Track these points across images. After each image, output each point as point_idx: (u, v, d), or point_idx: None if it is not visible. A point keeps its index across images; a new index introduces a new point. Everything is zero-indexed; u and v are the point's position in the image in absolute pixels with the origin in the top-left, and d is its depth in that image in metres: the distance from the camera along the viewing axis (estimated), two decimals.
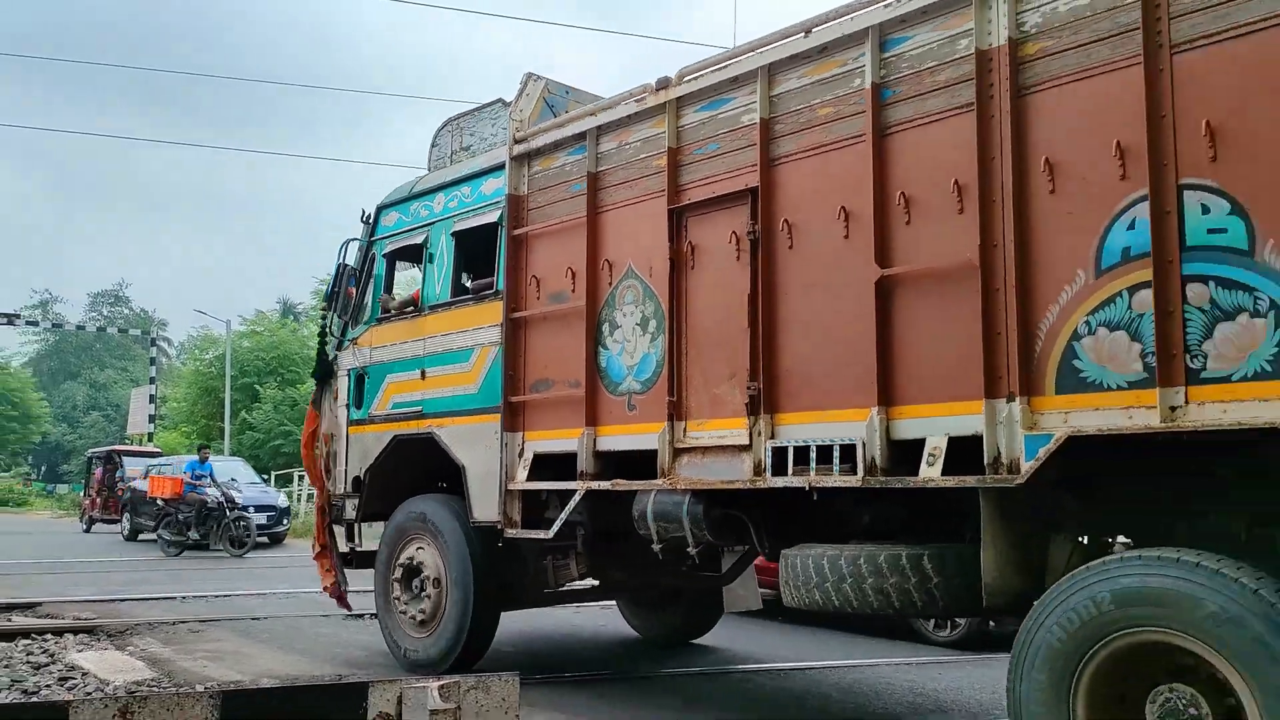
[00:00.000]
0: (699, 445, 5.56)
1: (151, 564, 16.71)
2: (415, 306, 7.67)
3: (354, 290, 8.09)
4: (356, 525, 8.07)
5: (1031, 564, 4.45)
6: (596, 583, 7.74)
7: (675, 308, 5.74)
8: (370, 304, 8.04)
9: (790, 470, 5.07)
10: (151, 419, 40.95)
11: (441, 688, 3.80)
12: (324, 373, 8.29)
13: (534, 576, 7.10)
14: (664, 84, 5.91)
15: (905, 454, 4.69)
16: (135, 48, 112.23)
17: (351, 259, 8.19)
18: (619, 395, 6.04)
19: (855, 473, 4.79)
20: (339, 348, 8.23)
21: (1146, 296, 3.93)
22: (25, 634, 8.40)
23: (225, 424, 35.17)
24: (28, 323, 56.92)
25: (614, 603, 9.26)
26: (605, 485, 6.02)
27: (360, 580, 8.06)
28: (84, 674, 6.98)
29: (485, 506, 6.73)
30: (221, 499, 18.72)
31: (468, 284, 7.51)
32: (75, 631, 8.69)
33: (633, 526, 5.94)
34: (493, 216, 6.95)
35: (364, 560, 7.97)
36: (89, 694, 6.23)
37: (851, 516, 5.29)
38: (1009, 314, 4.33)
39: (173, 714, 3.44)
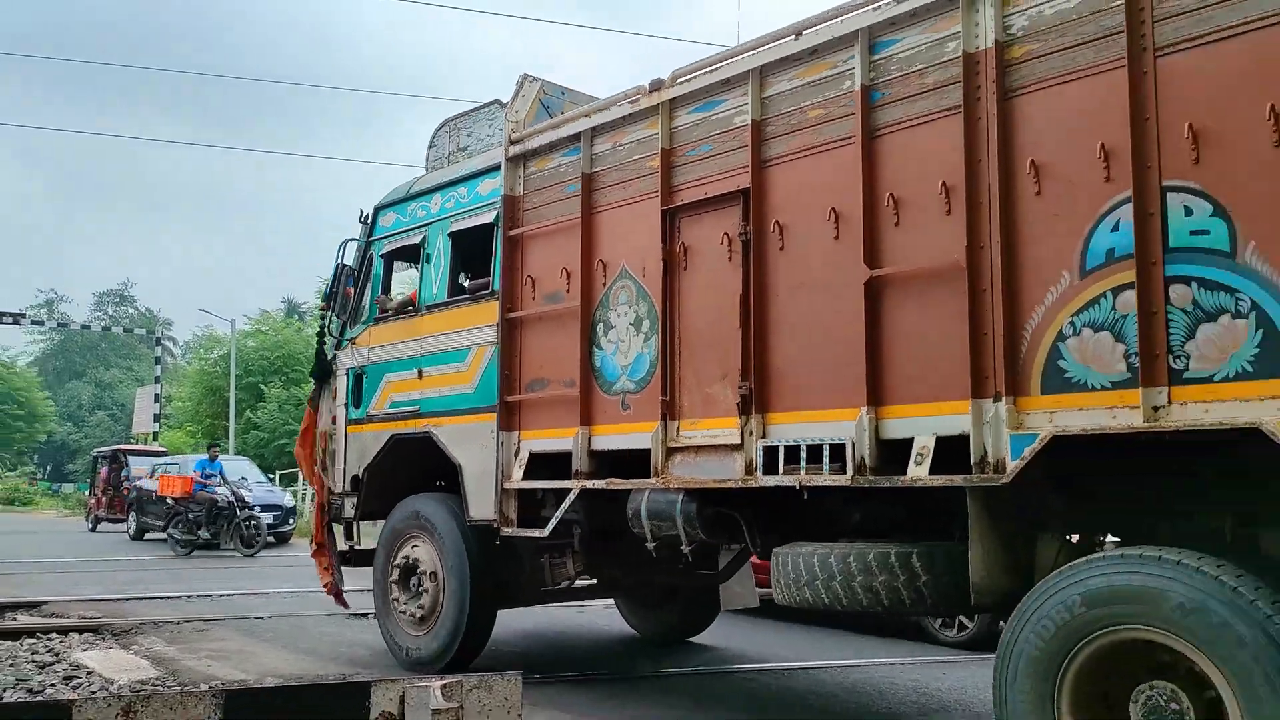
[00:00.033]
0: (692, 444, 5.61)
1: (156, 563, 16.75)
2: (413, 306, 7.72)
3: (352, 290, 8.15)
4: (355, 524, 8.13)
5: (1019, 562, 4.49)
6: (594, 581, 7.79)
7: (668, 308, 5.78)
8: (368, 304, 8.09)
9: (781, 469, 5.11)
10: (156, 418, 41.10)
11: (444, 687, 3.81)
12: (322, 372, 8.35)
13: (531, 575, 7.14)
14: (657, 86, 5.95)
15: (894, 453, 4.73)
16: (137, 48, 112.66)
17: (350, 259, 8.25)
18: (613, 395, 6.09)
19: (845, 472, 4.83)
20: (338, 347, 8.29)
21: (1130, 297, 3.97)
22: (30, 633, 8.44)
23: (230, 423, 35.24)
24: (33, 322, 57.05)
25: (613, 602, 9.32)
26: (600, 484, 6.07)
27: (362, 580, 8.10)
28: (89, 673, 7.01)
29: (481, 505, 6.78)
30: (232, 498, 18.62)
31: (465, 284, 7.56)
32: (80, 630, 8.73)
33: (628, 525, 5.99)
34: (489, 217, 7.00)
35: (362, 558, 8.04)
36: (93, 693, 6.25)
37: (842, 515, 5.34)
38: (995, 315, 4.37)
39: (175, 713, 3.46)
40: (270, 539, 19.69)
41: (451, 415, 7.12)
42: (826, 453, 4.92)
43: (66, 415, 69.15)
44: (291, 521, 21.90)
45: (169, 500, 19.74)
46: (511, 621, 9.38)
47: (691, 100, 5.78)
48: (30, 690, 6.51)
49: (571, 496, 6.20)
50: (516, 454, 6.62)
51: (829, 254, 5.05)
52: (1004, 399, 4.30)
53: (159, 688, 6.38)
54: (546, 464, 6.46)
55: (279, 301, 59.90)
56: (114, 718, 3.37)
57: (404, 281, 9.71)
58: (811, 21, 5.26)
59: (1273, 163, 3.68)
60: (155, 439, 38.95)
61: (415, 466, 7.59)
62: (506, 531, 6.65)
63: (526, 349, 6.67)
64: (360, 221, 8.17)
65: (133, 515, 23.08)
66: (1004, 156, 4.40)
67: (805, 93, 5.24)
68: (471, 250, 7.33)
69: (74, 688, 6.60)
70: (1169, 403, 3.87)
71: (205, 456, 20.53)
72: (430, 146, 7.87)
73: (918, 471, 4.55)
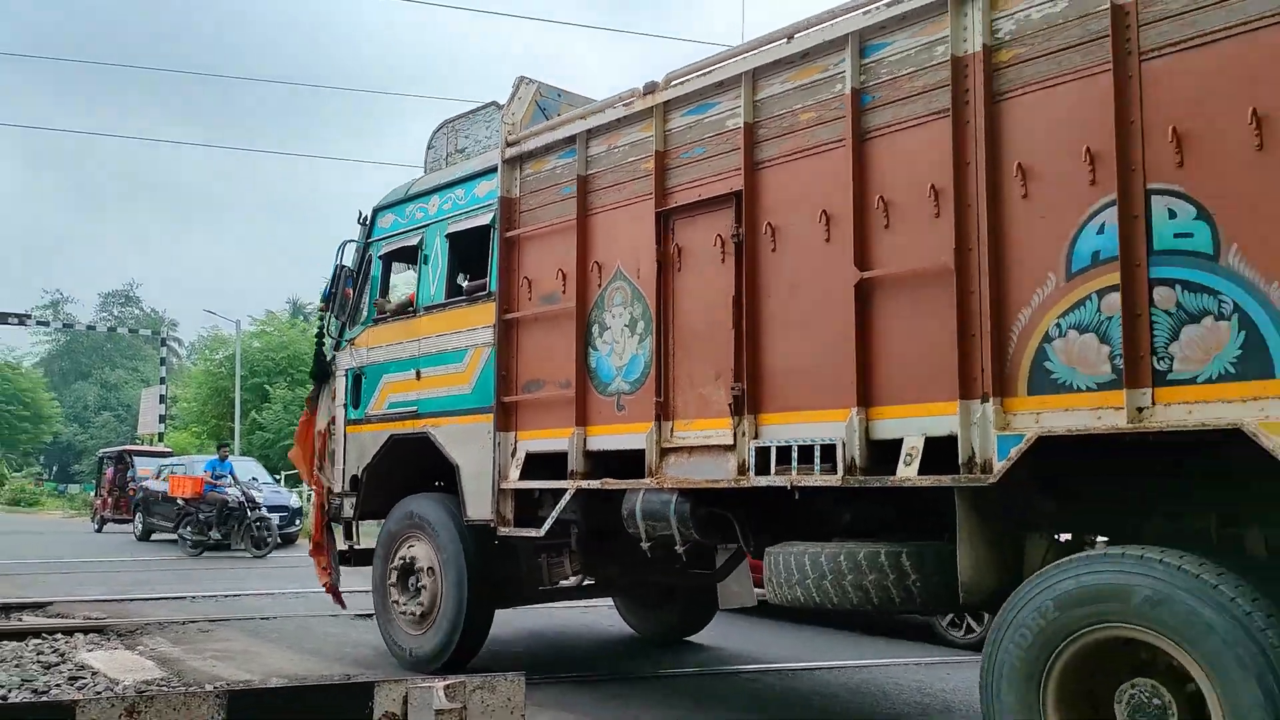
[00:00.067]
0: (685, 445, 5.65)
1: (163, 564, 16.76)
2: (411, 308, 7.77)
3: (351, 291, 8.21)
4: (354, 523, 8.18)
5: (1006, 561, 4.52)
6: (591, 581, 7.84)
7: (662, 309, 5.83)
8: (367, 305, 8.14)
9: (773, 470, 5.15)
10: (162, 419, 41.16)
11: (447, 688, 3.81)
12: (321, 373, 8.41)
13: (529, 574, 7.18)
14: (651, 88, 5.99)
15: (884, 454, 4.77)
16: (142, 49, 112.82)
17: (349, 260, 8.31)
18: (608, 395, 6.13)
19: (835, 472, 4.87)
20: (337, 348, 8.34)
21: (1115, 300, 4.01)
22: (36, 633, 8.47)
23: (235, 424, 35.32)
24: (39, 323, 57.16)
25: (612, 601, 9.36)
26: (595, 484, 6.12)
27: (365, 582, 8.12)
28: (94, 673, 7.03)
29: (479, 505, 6.82)
30: (243, 499, 18.54)
31: (464, 285, 7.61)
32: (85, 631, 8.75)
33: (623, 525, 6.03)
34: (486, 219, 7.05)
35: (362, 558, 8.09)
36: (98, 693, 6.27)
37: (833, 515, 5.37)
38: (983, 317, 4.41)
39: (179, 713, 3.46)
40: (277, 540, 19.70)
41: (449, 416, 7.17)
42: (817, 453, 4.96)
43: (72, 416, 69.36)
44: (298, 523, 21.86)
45: (179, 501, 19.66)
46: (514, 621, 9.43)
47: (685, 103, 5.82)
48: (35, 691, 6.54)
49: (567, 497, 6.25)
50: (513, 454, 6.66)
51: (820, 256, 5.09)
52: (991, 400, 4.34)
53: (163, 688, 6.41)
54: (543, 464, 6.51)
55: (284, 302, 60.11)
56: (117, 718, 3.37)
57: (407, 283, 9.76)
58: (803, 25, 5.30)
59: (1255, 166, 3.72)
60: (161, 440, 39.01)
61: (413, 467, 7.63)
62: (503, 531, 6.70)
63: (523, 350, 6.72)
64: (359, 223, 8.23)
65: (139, 516, 23.09)
66: (991, 159, 4.44)
67: (797, 96, 5.28)
68: (469, 252, 7.37)
69: (79, 688, 6.63)
70: (1153, 404, 3.91)
71: (215, 457, 20.45)
72: (428, 148, 7.92)
73: (907, 472, 4.59)
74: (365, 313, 8.14)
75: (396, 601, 7.52)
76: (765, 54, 5.43)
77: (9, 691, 6.47)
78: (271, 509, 19.53)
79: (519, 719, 3.93)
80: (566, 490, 6.26)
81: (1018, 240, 4.36)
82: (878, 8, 4.94)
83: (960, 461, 4.41)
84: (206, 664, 7.52)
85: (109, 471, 27.52)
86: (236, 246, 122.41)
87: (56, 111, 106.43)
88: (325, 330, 8.43)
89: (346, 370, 8.16)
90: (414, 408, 7.46)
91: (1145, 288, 3.95)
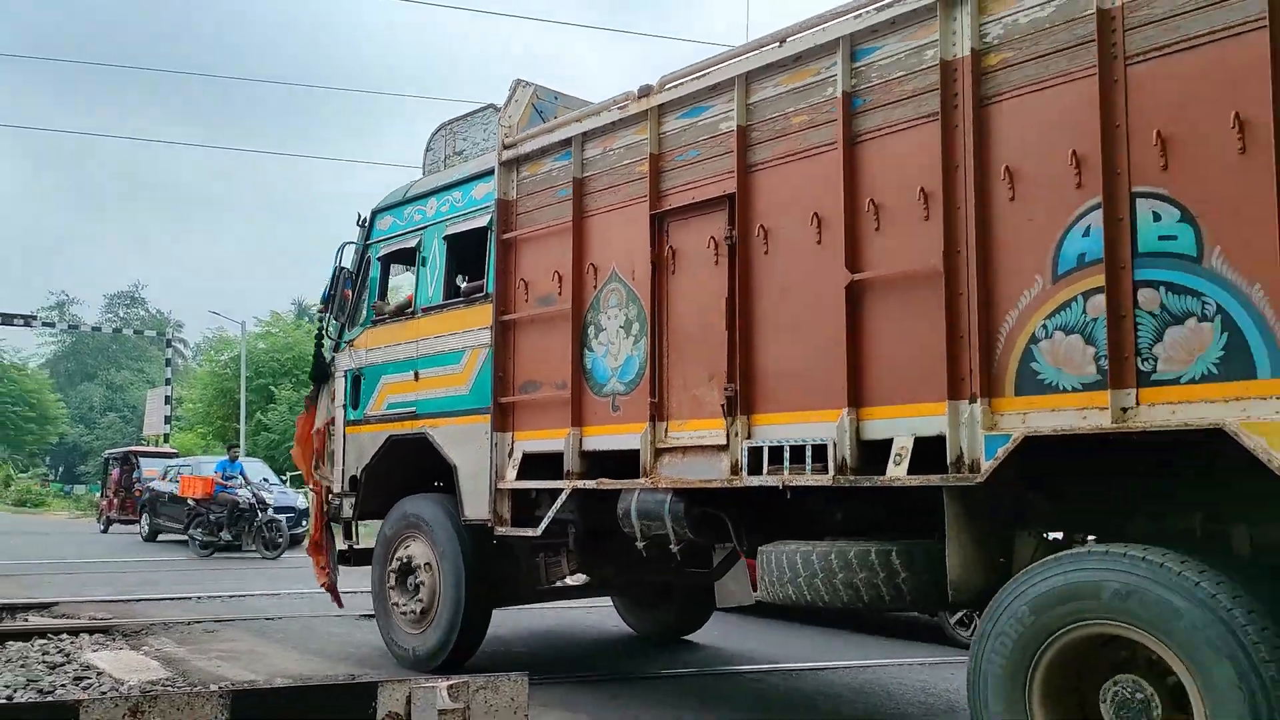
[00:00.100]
0: (679, 445, 5.70)
1: (168, 564, 16.80)
2: (409, 309, 7.82)
3: (350, 293, 8.27)
4: (353, 523, 8.24)
5: (995, 560, 4.57)
6: (589, 580, 7.89)
7: (657, 311, 5.87)
8: (366, 306, 8.20)
9: (765, 469, 5.20)
10: (167, 420, 41.30)
11: (450, 688, 3.84)
12: (320, 374, 8.47)
13: (526, 574, 7.23)
14: (646, 91, 6.04)
15: (874, 454, 4.82)
16: (146, 49, 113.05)
17: (348, 262, 8.37)
18: (604, 396, 6.18)
19: (827, 472, 4.91)
20: (336, 349, 8.40)
21: (1100, 301, 4.05)
22: (41, 634, 8.51)
23: (241, 425, 35.41)
24: (44, 324, 57.31)
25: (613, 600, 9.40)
26: (590, 484, 6.17)
27: (366, 582, 8.17)
28: (99, 673, 7.06)
29: (476, 505, 6.87)
30: (253, 500, 18.47)
31: (462, 286, 7.66)
32: (91, 631, 8.79)
33: (619, 525, 6.08)
34: (483, 221, 7.10)
35: (361, 557, 8.15)
36: (103, 693, 6.30)
37: (825, 514, 5.41)
38: (971, 318, 4.45)
39: (183, 713, 3.50)
40: (288, 540, 19.61)
41: (447, 416, 7.22)
42: (809, 453, 5.01)
43: (78, 417, 69.49)
44: (304, 524, 21.74)
45: (190, 502, 19.63)
46: (514, 620, 9.47)
47: (679, 106, 5.87)
48: (40, 691, 6.58)
49: (563, 497, 6.30)
50: (510, 454, 6.71)
51: (811, 258, 5.13)
52: (979, 400, 4.39)
53: (168, 688, 6.44)
54: (540, 465, 6.55)
55: (289, 303, 60.27)
56: (121, 717, 3.41)
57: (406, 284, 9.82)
58: (795, 28, 5.35)
59: (1238, 169, 3.77)
60: (166, 441, 39.16)
61: (412, 467, 7.68)
62: (500, 531, 6.74)
63: (520, 351, 6.77)
64: (358, 225, 8.29)
65: (145, 516, 23.11)
66: (980, 163, 4.48)
67: (789, 99, 5.32)
68: (467, 254, 7.42)
69: (84, 688, 6.66)
70: (1137, 404, 3.95)
71: (225, 458, 20.39)
72: (427, 150, 7.98)
73: (896, 471, 4.64)
74: (364, 314, 8.20)
75: (396, 601, 7.58)
76: (758, 57, 5.48)
77: (14, 691, 6.51)
78: (279, 510, 19.44)
79: (522, 718, 3.96)
80: (563, 490, 6.30)
81: (1005, 243, 4.40)
82: (868, 12, 4.98)
83: (949, 461, 4.45)
84: (211, 664, 7.56)
85: (114, 472, 27.62)
86: (241, 247, 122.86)
87: (59, 112, 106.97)
88: (324, 331, 8.49)
89: (345, 371, 8.22)
90: (412, 408, 7.51)
91: (1130, 290, 3.99)
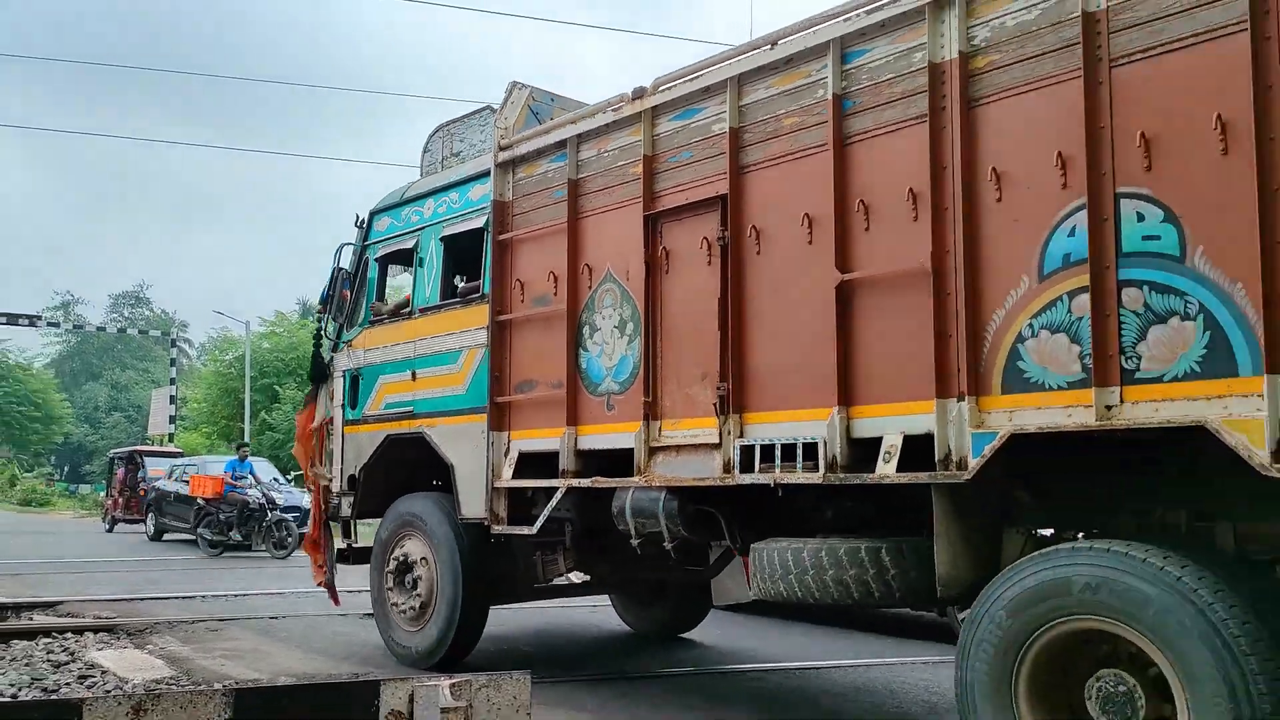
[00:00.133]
0: (673, 444, 5.75)
1: (173, 564, 16.83)
2: (407, 310, 7.87)
3: (348, 294, 8.33)
4: (352, 522, 8.29)
5: (983, 556, 4.61)
6: (588, 578, 7.93)
7: (650, 311, 5.92)
8: (364, 307, 8.25)
9: (757, 468, 5.25)
10: (172, 420, 41.40)
11: (453, 686, 3.87)
12: (318, 374, 8.52)
13: (524, 572, 7.29)
14: (640, 93, 6.08)
15: (865, 452, 4.86)
16: (151, 49, 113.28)
17: (346, 263, 8.43)
18: (598, 396, 6.23)
19: (817, 470, 4.96)
20: (334, 350, 8.46)
21: (1085, 301, 4.09)
22: (46, 632, 8.52)
23: (245, 424, 35.47)
24: (49, 324, 57.50)
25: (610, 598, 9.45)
26: (585, 483, 6.22)
27: (366, 582, 8.21)
28: (103, 672, 7.09)
29: (473, 504, 6.93)
30: (263, 500, 18.40)
31: (459, 286, 7.71)
32: (95, 630, 8.80)
33: (614, 523, 6.13)
34: (479, 222, 7.16)
35: (360, 556, 8.20)
36: (107, 692, 6.31)
37: (817, 511, 5.47)
38: (959, 317, 4.49)
39: (185, 712, 3.53)
40: (298, 540, 19.48)
41: (444, 416, 7.27)
42: (800, 451, 5.05)
43: (83, 417, 69.67)
44: (309, 524, 21.67)
45: (199, 501, 19.61)
46: (522, 619, 9.53)
47: (672, 108, 5.91)
48: (45, 689, 6.60)
49: (558, 495, 6.35)
50: (506, 453, 6.76)
51: (802, 258, 5.17)
52: (967, 399, 4.43)
53: (171, 687, 6.47)
54: (536, 463, 6.60)
55: (294, 303, 60.28)
56: (124, 715, 3.44)
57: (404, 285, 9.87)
58: (786, 31, 5.39)
59: (1220, 170, 3.81)
60: (171, 440, 39.24)
61: (410, 466, 7.74)
62: (497, 529, 6.79)
63: (516, 351, 6.81)
64: (356, 226, 8.35)
65: (151, 516, 23.14)
66: (967, 164, 4.52)
67: (781, 101, 5.36)
68: (464, 254, 7.48)
69: (88, 687, 6.68)
70: (1121, 402, 3.99)
71: (235, 457, 20.34)
72: (424, 152, 8.04)
73: (886, 469, 4.68)
74: (362, 315, 8.26)
75: (395, 602, 7.63)
76: (750, 60, 5.52)
77: (19, 690, 6.53)
78: (286, 509, 19.27)
79: (524, 717, 3.99)
80: (558, 489, 6.35)
81: (992, 243, 4.44)
82: (858, 15, 5.03)
83: (937, 459, 4.50)
84: (215, 663, 7.59)
85: (120, 472, 27.64)
86: (246, 247, 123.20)
87: (64, 112, 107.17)
88: (323, 332, 8.55)
89: (344, 371, 8.28)
90: (410, 408, 7.57)
91: (1114, 289, 4.03)
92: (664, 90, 5.96)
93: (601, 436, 6.19)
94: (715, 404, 5.47)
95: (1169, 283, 3.90)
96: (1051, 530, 4.75)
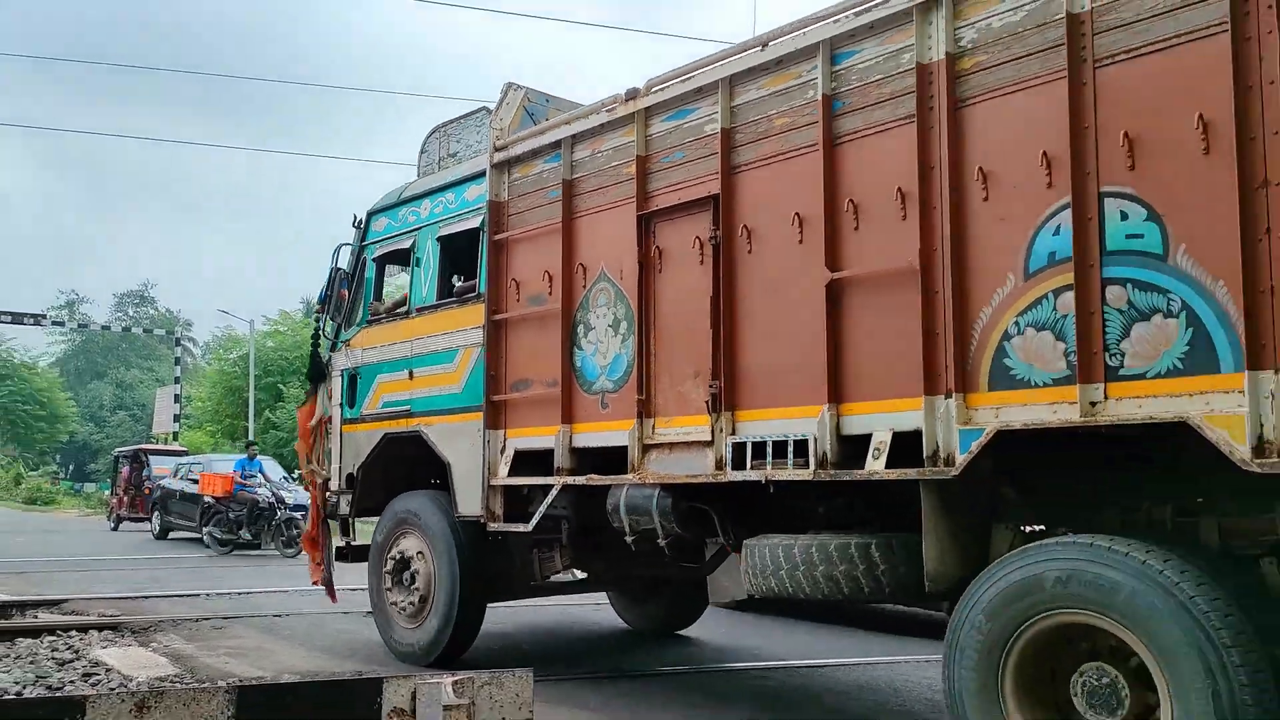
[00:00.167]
0: (666, 441, 5.80)
1: (178, 562, 16.86)
2: (404, 309, 7.92)
3: (346, 294, 8.38)
4: (351, 520, 8.34)
5: (971, 552, 4.65)
6: (585, 575, 7.98)
7: (644, 310, 5.97)
8: (362, 307, 8.31)
9: (749, 465, 5.30)
10: (176, 418, 41.51)
11: (455, 683, 3.88)
12: (316, 374, 8.57)
13: (521, 569, 7.34)
14: (633, 94, 6.13)
15: (855, 448, 4.91)
16: (154, 49, 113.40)
17: (344, 263, 8.48)
18: (593, 394, 6.28)
19: (808, 466, 5.01)
20: (333, 349, 8.52)
21: (1070, 298, 4.14)
22: (51, 630, 8.54)
23: (249, 423, 35.56)
24: (54, 323, 57.60)
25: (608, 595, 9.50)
26: (580, 480, 6.27)
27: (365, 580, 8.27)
28: (107, 670, 7.10)
29: (469, 501, 6.98)
30: (273, 499, 18.23)
31: (457, 285, 7.76)
32: (100, 628, 8.82)
33: (609, 519, 6.18)
34: (475, 222, 7.21)
35: (359, 554, 8.25)
36: (111, 689, 6.32)
37: (808, 508, 5.51)
38: (946, 315, 4.54)
39: (188, 708, 3.55)
40: None
41: (440, 414, 7.33)
42: (791, 448, 5.10)
43: (88, 415, 69.83)
44: None
45: (208, 499, 19.59)
46: (524, 616, 9.58)
47: (665, 109, 5.96)
48: (50, 687, 6.63)
49: (553, 492, 6.40)
50: (502, 451, 6.81)
51: (793, 257, 5.22)
52: (954, 396, 4.48)
53: (175, 684, 6.50)
54: (532, 461, 6.65)
55: (298, 302, 60.32)
56: (128, 713, 3.46)
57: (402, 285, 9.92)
58: (777, 32, 5.43)
59: (1202, 169, 3.85)
60: (175, 439, 39.34)
61: (407, 464, 7.80)
62: (493, 526, 6.85)
63: (511, 350, 6.86)
64: (354, 226, 8.40)
65: (156, 514, 23.18)
66: (954, 164, 4.57)
67: (772, 101, 5.41)
68: (460, 254, 7.53)
69: (92, 684, 6.70)
70: (1105, 398, 4.04)
71: (244, 456, 20.27)
72: (421, 152, 8.09)
73: (875, 465, 4.73)
74: (360, 314, 8.31)
75: (394, 600, 7.68)
76: (741, 61, 5.57)
77: (24, 687, 6.55)
78: (295, 508, 18.75)
79: (526, 714, 4.00)
80: (553, 486, 6.41)
81: (979, 242, 4.49)
82: (847, 16, 5.07)
83: (925, 455, 4.55)
84: (219, 660, 7.61)
85: (124, 470, 27.68)
86: (250, 246, 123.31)
87: (68, 112, 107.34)
88: (321, 332, 8.61)
89: (342, 371, 8.34)
90: (407, 407, 7.62)
91: (1098, 287, 4.08)
92: (657, 91, 6.01)
93: (596, 434, 6.24)
94: (708, 402, 5.52)
95: (1152, 280, 3.94)
96: (1043, 527, 4.81)
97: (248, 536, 18.46)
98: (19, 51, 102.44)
